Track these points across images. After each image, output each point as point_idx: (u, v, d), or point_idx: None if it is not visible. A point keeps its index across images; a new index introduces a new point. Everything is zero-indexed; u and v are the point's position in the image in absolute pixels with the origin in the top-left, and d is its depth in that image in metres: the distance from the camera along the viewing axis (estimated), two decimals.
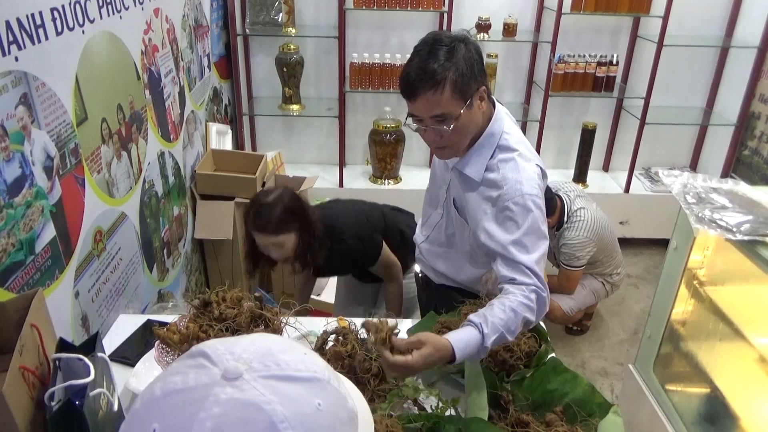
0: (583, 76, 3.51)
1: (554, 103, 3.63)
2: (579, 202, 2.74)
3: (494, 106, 1.43)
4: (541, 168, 1.38)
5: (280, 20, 3.38)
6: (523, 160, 1.35)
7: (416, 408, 1.27)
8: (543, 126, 3.54)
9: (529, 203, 1.31)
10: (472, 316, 1.25)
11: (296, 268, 1.81)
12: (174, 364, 0.54)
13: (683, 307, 1.85)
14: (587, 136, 3.63)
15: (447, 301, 1.58)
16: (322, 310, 2.61)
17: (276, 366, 0.52)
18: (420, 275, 1.82)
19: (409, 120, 1.38)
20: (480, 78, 1.32)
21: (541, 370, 1.31)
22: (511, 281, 1.30)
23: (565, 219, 2.71)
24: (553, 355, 1.40)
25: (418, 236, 1.75)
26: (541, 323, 1.54)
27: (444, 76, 1.26)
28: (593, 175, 3.84)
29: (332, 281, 2.80)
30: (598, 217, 2.74)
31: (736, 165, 3.58)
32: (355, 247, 1.85)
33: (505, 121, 1.42)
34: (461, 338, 1.21)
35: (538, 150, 3.55)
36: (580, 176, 3.74)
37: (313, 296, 2.63)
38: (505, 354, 1.34)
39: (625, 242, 3.63)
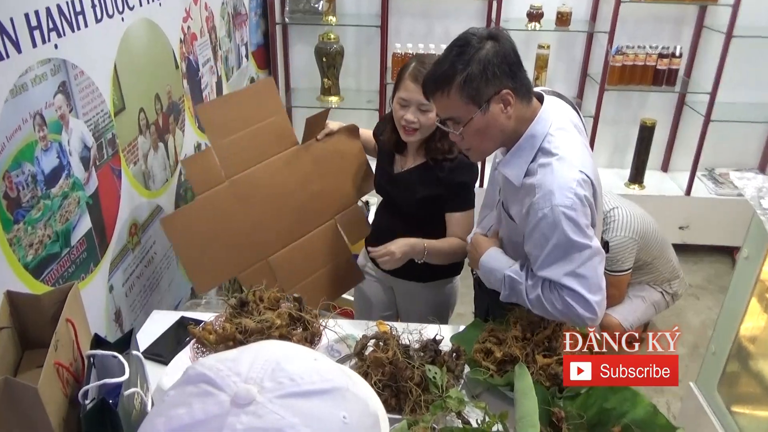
0: (642, 69, 3.41)
1: (610, 98, 3.54)
2: (611, 203, 2.65)
3: (542, 103, 1.38)
4: (586, 175, 1.31)
5: (320, 8, 3.38)
6: (561, 165, 1.30)
7: (460, 421, 1.25)
8: (597, 122, 3.46)
9: (559, 216, 1.26)
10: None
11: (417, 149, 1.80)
12: (172, 393, 0.52)
13: (754, 322, 1.77)
14: (646, 133, 3.52)
15: (498, 304, 1.54)
16: (346, 309, 2.59)
17: (290, 381, 0.50)
18: (474, 276, 1.80)
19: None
20: (499, 81, 1.28)
21: (598, 387, 1.26)
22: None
23: None
24: None
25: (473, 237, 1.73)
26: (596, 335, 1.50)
27: (449, 79, 1.28)
28: (651, 175, 3.73)
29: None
30: (636, 213, 2.64)
31: None
32: (465, 179, 1.76)
33: (552, 122, 1.37)
34: (497, 256, 1.49)
35: (591, 148, 3.46)
36: (637, 176, 3.64)
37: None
38: (558, 367, 1.30)
39: (684, 249, 3.51)
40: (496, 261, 1.47)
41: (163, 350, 1.53)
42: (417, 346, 1.37)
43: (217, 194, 1.75)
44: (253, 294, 1.30)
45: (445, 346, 1.41)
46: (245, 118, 1.82)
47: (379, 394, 1.21)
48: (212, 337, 1.19)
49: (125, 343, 1.14)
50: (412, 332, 1.39)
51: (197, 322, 1.51)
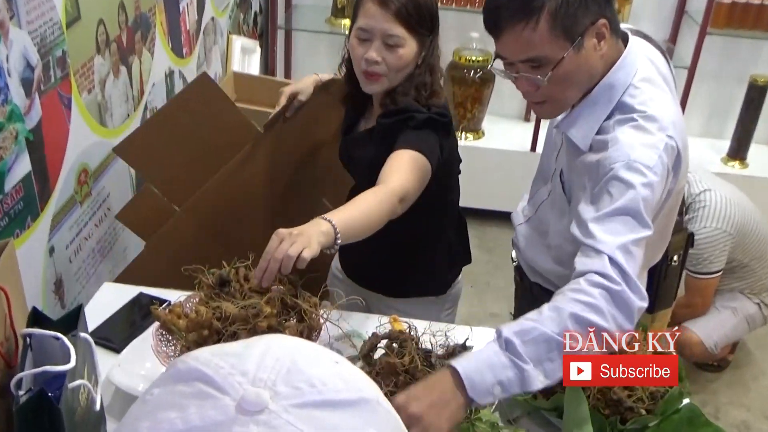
0: (758, 9, 3.37)
1: (712, 45, 3.49)
2: (702, 183, 2.63)
3: (625, 45, 1.38)
4: (676, 143, 1.31)
5: None
6: (647, 123, 1.30)
7: None
8: (693, 75, 3.43)
9: (635, 175, 1.25)
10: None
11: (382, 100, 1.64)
12: (157, 391, 0.53)
13: None
14: (755, 94, 3.48)
15: (541, 305, 1.55)
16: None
17: (309, 387, 0.51)
18: (515, 264, 1.82)
19: (498, 62, 1.36)
20: (597, 7, 1.28)
21: (672, 420, 1.28)
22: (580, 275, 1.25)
23: (684, 209, 2.60)
24: (688, 400, 1.37)
25: (517, 216, 1.74)
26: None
27: (540, 4, 1.24)
28: (758, 150, 3.71)
29: None
30: (733, 199, 2.61)
31: None
32: (415, 113, 1.56)
33: (637, 68, 1.36)
34: (467, 356, 1.20)
35: (681, 110, 3.43)
36: (739, 151, 3.63)
37: None
38: (622, 393, 1.31)
39: None
40: (477, 360, 1.19)
41: (114, 334, 1.56)
42: (441, 351, 1.38)
43: (169, 232, 1.83)
44: (236, 272, 1.31)
45: None
46: (186, 131, 1.82)
47: None
48: (182, 323, 1.20)
49: (71, 322, 1.16)
50: (435, 334, 1.40)
51: (161, 301, 1.53)
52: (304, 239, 1.22)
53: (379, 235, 1.42)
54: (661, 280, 1.75)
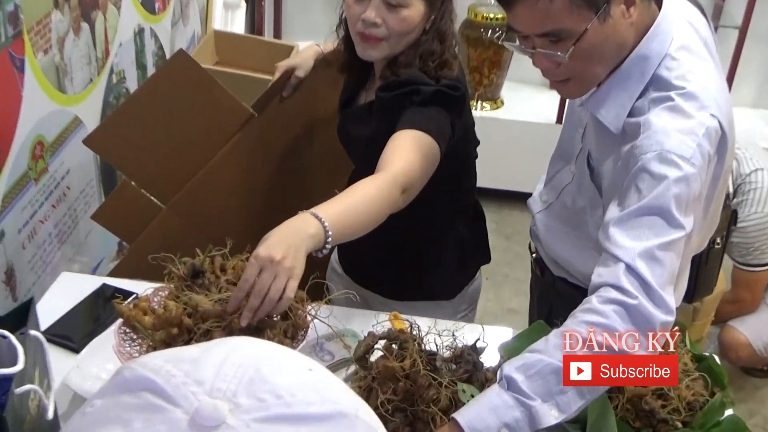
0: None
1: (767, 1, 3.47)
2: (752, 162, 2.62)
3: (659, 7, 1.36)
4: (719, 122, 1.30)
5: None
6: (687, 104, 1.29)
7: None
8: (745, 37, 3.43)
9: (667, 167, 1.24)
10: None
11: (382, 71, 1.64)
12: (99, 402, 0.53)
13: None
14: None
15: (567, 303, 1.54)
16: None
17: (276, 399, 0.51)
18: (533, 255, 1.81)
19: (513, 36, 1.36)
20: None
21: None
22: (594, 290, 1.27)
23: (732, 191, 2.59)
24: (732, 411, 1.37)
25: (535, 202, 1.73)
26: (715, 357, 1.50)
27: None
28: None
29: None
30: None
31: None
32: (421, 85, 1.55)
33: (674, 35, 1.35)
34: (469, 403, 1.22)
35: (731, 77, 3.42)
36: None
37: None
38: (654, 402, 1.31)
39: None
40: (479, 405, 1.21)
41: (72, 332, 1.56)
42: (447, 354, 1.38)
43: (155, 231, 1.83)
44: (212, 261, 1.30)
45: (489, 357, 1.42)
46: (165, 117, 1.82)
47: (388, 421, 1.22)
48: (148, 319, 1.20)
49: (21, 317, 1.15)
50: (441, 334, 1.39)
51: (126, 294, 1.53)
52: (287, 265, 1.20)
53: (378, 230, 1.41)
54: (702, 264, 1.74)
